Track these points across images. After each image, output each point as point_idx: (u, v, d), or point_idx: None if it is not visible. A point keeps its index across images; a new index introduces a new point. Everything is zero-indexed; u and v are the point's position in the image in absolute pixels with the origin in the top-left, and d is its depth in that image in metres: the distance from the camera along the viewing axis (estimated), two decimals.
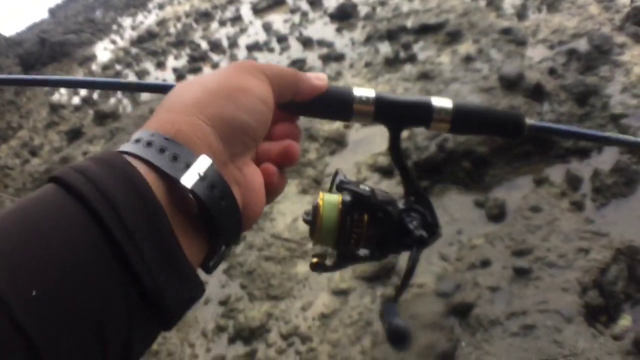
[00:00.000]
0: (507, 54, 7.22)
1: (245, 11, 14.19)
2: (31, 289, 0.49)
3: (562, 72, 6.26)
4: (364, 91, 0.96)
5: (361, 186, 0.95)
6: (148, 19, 19.16)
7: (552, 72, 6.25)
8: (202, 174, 0.65)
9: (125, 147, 0.66)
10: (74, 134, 10.31)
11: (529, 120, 1.02)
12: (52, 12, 41.07)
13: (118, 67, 13.64)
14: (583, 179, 4.84)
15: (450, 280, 4.24)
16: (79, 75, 14.57)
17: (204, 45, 12.66)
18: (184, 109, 0.72)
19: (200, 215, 0.66)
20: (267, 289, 4.73)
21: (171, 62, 12.49)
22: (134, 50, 14.69)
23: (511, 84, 5.91)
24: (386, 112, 0.97)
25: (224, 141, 0.73)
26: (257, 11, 13.61)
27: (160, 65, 12.44)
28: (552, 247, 4.18)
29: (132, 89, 1.26)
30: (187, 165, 0.65)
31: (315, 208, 0.94)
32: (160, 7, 20.64)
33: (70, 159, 9.09)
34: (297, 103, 0.92)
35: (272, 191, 0.86)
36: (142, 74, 12.12)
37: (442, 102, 0.98)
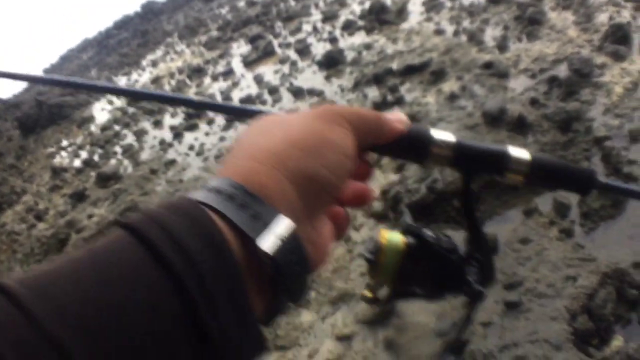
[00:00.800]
0: (490, 88, 7.33)
1: (236, 64, 14.31)
2: (96, 345, 0.47)
3: (543, 101, 6.37)
4: (444, 135, 0.97)
5: (426, 232, 1.04)
6: (142, 77, 19.19)
7: (533, 102, 6.37)
8: (283, 238, 0.64)
9: (203, 195, 0.66)
10: (78, 197, 10.42)
11: (601, 178, 1.06)
12: (47, 72, 41.12)
13: (117, 127, 13.67)
14: (571, 206, 4.91)
15: (447, 319, 4.30)
16: (79, 137, 14.69)
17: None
18: (266, 159, 0.70)
19: (273, 277, 0.65)
20: (274, 340, 4.80)
21: (168, 120, 12.56)
22: (130, 110, 14.75)
23: (494, 119, 6.02)
24: (464, 158, 0.99)
25: (304, 199, 0.71)
26: (248, 63, 13.72)
27: (158, 124, 12.49)
28: (541, 277, 4.28)
29: (220, 111, 1.33)
30: (267, 227, 0.64)
31: (378, 248, 1.01)
32: (154, 64, 20.70)
33: (75, 223, 9.14)
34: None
35: (340, 234, 0.86)
36: (140, 133, 12.18)
37: (519, 152, 1.01)
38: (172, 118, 12.53)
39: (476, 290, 1.01)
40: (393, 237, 1.02)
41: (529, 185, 1.09)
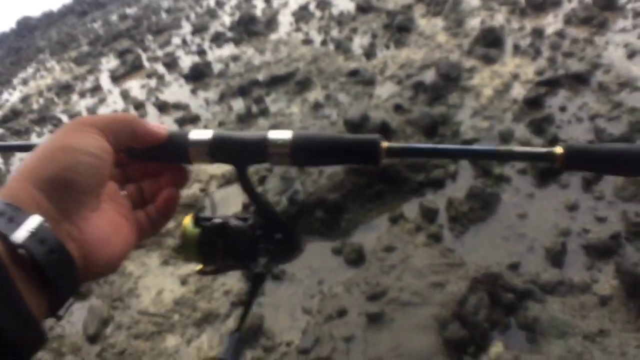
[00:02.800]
0: (354, 96, 7.32)
1: (104, 79, 14.12)
2: None
3: (408, 106, 6.35)
4: (201, 133, 1.01)
5: (214, 220, 1.06)
6: (13, 96, 18.75)
7: (397, 108, 6.32)
8: (31, 231, 0.73)
9: None
10: None
11: (388, 143, 0.99)
12: None
13: None
14: (438, 210, 4.88)
15: (310, 335, 4.14)
16: None
17: (65, 119, 12.49)
18: (19, 176, 0.81)
19: (34, 267, 0.73)
20: None
21: (35, 140, 12.17)
22: (0, 131, 14.37)
23: (356, 126, 5.90)
24: (222, 151, 1.00)
25: (52, 201, 0.80)
26: (115, 78, 13.49)
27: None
28: (405, 285, 4.12)
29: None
30: (20, 225, 0.73)
31: (182, 233, 1.08)
32: (24, 82, 20.24)
33: None
34: (138, 149, 0.98)
35: (144, 235, 1.01)
36: (7, 156, 11.89)
37: (280, 134, 1.00)
38: (39, 137, 12.23)
39: (255, 272, 1.07)
40: (190, 224, 1.09)
41: (302, 165, 1.07)
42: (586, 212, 4.46)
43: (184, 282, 5.29)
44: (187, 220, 1.09)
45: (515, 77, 6.46)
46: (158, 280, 5.54)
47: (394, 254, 4.52)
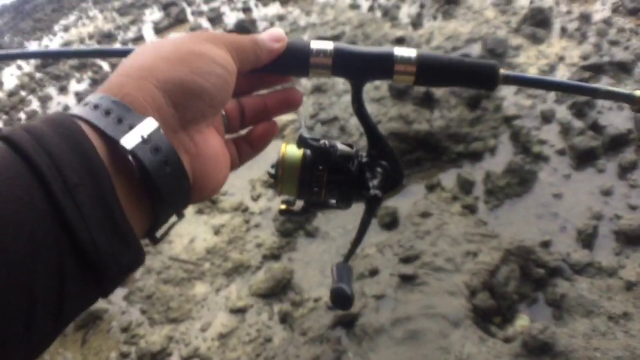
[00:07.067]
0: None
1: (147, 30, 14.11)
2: None
3: None
4: (322, 44, 0.95)
5: (322, 142, 0.97)
6: (53, 42, 18.72)
7: None
8: (145, 136, 0.65)
9: (76, 110, 0.67)
10: None
11: (504, 71, 0.98)
12: None
13: (23, 93, 13.26)
14: (475, 182, 4.88)
15: None
16: None
17: (106, 67, 12.43)
18: (135, 73, 0.72)
19: (142, 179, 0.65)
20: (166, 312, 4.66)
21: (74, 85, 12.21)
22: (38, 75, 14.37)
23: (400, 93, 5.90)
24: (345, 64, 0.95)
25: (175, 106, 0.73)
26: (159, 30, 13.48)
27: (63, 90, 12.12)
28: (440, 251, 4.17)
29: (92, 56, 1.32)
30: (131, 127, 0.65)
31: (278, 161, 0.98)
32: (65, 29, 20.22)
33: None
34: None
35: (241, 160, 0.96)
36: (45, 99, 11.82)
37: (405, 52, 0.96)
38: (78, 84, 12.21)
39: (371, 195, 0.96)
40: (291, 149, 1.00)
41: (424, 84, 1.03)
42: (620, 198, 4.45)
43: (217, 232, 5.31)
44: (286, 146, 1.01)
45: (561, 58, 6.37)
46: (191, 228, 5.54)
47: (429, 220, 4.55)
